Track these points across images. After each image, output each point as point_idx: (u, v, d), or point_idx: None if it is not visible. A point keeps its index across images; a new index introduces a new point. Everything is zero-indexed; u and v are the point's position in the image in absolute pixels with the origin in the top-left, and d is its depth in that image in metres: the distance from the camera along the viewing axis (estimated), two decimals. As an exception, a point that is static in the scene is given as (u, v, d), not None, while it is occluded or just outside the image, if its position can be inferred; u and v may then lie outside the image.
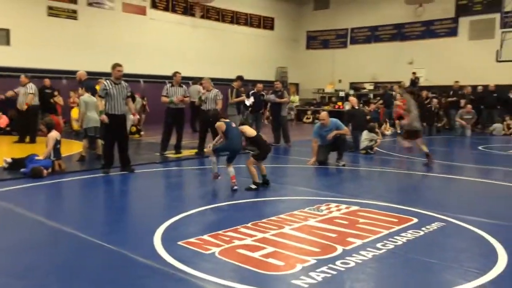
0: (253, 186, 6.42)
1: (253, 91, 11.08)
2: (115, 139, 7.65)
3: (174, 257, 3.77)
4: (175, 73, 9.67)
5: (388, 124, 15.99)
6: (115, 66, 7.62)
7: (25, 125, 11.74)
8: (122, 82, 7.70)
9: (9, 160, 7.61)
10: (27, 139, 11.46)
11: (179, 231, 4.50)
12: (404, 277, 3.52)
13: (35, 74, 14.79)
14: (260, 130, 11.35)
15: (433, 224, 4.79)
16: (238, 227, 4.58)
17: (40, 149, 7.99)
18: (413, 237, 4.37)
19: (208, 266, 3.62)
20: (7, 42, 15.08)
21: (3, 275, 3.47)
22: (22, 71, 14.53)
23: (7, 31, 15.05)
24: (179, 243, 4.11)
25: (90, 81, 10.71)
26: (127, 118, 8.32)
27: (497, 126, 15.72)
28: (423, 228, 4.64)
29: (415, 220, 4.94)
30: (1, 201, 5.66)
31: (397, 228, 4.64)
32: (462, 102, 15.83)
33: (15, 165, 7.47)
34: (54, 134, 7.62)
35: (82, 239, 4.26)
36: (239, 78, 10.81)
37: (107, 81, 7.64)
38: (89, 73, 13.09)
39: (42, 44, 15.43)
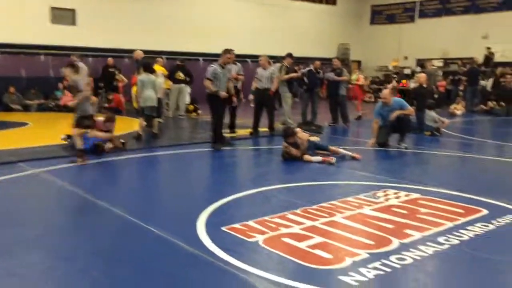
0: None
1: (309, 69, 10.62)
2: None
3: (217, 244, 3.59)
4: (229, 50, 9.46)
5: (461, 104, 14.88)
6: (227, 52, 7.91)
7: None
8: (227, 66, 8.12)
9: (63, 136, 7.81)
10: None
11: (224, 215, 4.32)
12: (469, 279, 3.12)
13: (100, 53, 15.27)
14: (316, 109, 10.96)
15: (505, 217, 4.27)
16: (286, 213, 4.33)
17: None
18: (482, 232, 3.90)
19: (251, 256, 3.41)
20: (73, 22, 15.59)
21: (49, 257, 3.46)
22: (87, 51, 15.05)
23: (73, 12, 15.55)
24: (223, 228, 3.93)
25: (148, 60, 10.75)
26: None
27: None
28: (493, 221, 4.14)
29: (485, 211, 4.44)
30: (55, 178, 5.78)
31: (463, 220, 4.18)
32: None
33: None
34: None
35: (129, 221, 4.19)
36: (290, 55, 10.43)
37: (216, 64, 7.90)
38: (150, 52, 13.28)
39: (106, 24, 15.80)
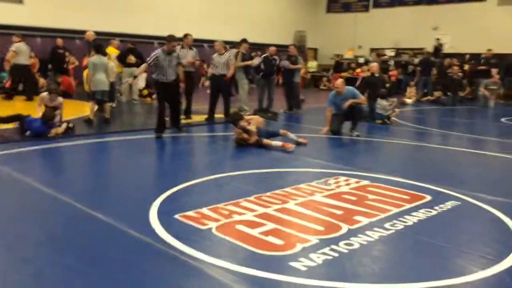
0: None
1: (265, 55, 10.64)
2: (168, 104, 7.84)
3: (170, 232, 3.58)
4: (186, 35, 9.34)
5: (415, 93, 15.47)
6: (171, 40, 7.58)
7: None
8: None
9: None
10: (33, 97, 11.28)
11: (177, 203, 4.31)
12: (411, 262, 3.28)
13: (49, 34, 14.62)
14: (272, 96, 11.01)
15: (447, 203, 4.50)
16: (239, 200, 4.37)
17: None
18: (425, 217, 4.10)
19: (203, 243, 3.42)
20: (20, 0, 14.81)
21: (-7, 246, 3.35)
22: (35, 30, 14.38)
23: (19, -11, 14.77)
24: (175, 216, 3.92)
25: (101, 41, 10.42)
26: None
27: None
28: (436, 207, 4.36)
29: (429, 197, 4.66)
30: (0, 164, 5.55)
31: (408, 206, 4.37)
32: (494, 71, 14.99)
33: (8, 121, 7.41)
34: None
35: (77, 209, 4.10)
36: (245, 41, 10.40)
37: (160, 50, 7.64)
38: (102, 33, 12.84)
39: (56, 3, 15.11)
